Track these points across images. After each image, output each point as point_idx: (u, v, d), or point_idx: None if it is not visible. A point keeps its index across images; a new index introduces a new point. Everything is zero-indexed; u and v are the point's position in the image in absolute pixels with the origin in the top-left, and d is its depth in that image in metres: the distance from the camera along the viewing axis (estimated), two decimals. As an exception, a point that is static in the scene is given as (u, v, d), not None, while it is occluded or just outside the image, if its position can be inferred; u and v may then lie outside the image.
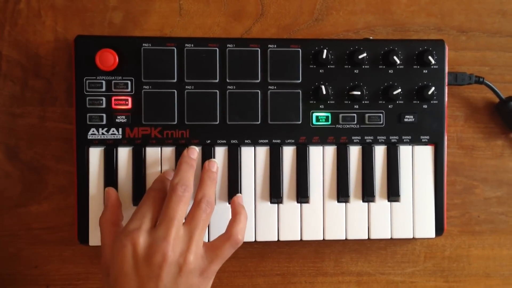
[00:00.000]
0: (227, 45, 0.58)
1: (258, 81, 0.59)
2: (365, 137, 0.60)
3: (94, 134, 0.58)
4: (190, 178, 0.53)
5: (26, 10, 0.60)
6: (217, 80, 0.58)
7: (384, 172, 0.61)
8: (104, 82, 0.57)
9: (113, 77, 0.57)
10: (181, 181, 0.51)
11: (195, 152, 0.56)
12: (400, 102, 0.60)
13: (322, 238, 0.60)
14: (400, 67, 0.60)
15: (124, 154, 0.58)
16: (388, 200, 0.60)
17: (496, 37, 0.65)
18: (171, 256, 0.47)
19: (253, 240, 0.59)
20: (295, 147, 0.60)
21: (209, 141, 0.58)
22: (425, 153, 0.61)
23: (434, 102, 0.60)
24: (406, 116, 0.60)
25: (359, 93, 0.59)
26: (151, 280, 0.47)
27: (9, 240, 0.60)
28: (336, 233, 0.60)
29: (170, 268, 0.47)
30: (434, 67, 0.60)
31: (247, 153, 0.59)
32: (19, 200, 0.60)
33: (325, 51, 0.59)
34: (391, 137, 0.61)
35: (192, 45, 0.58)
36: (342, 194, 0.60)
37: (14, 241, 0.60)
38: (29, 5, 0.60)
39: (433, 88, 0.60)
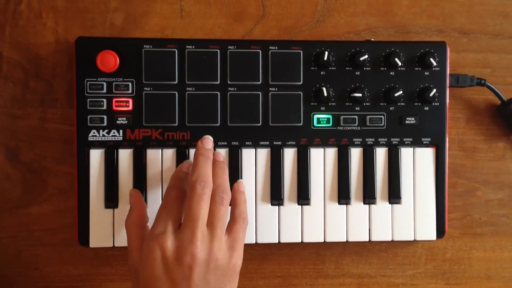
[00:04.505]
0: (228, 47, 0.58)
1: (259, 83, 0.59)
2: (366, 139, 0.60)
3: (95, 135, 0.57)
4: (208, 171, 0.52)
5: (27, 11, 0.60)
6: (218, 82, 0.58)
7: (385, 174, 0.61)
8: (105, 83, 0.57)
9: (114, 79, 0.57)
10: (199, 178, 0.51)
11: (209, 142, 0.55)
12: (401, 104, 0.60)
13: (323, 240, 0.60)
14: (401, 69, 0.60)
15: (124, 156, 0.58)
16: (389, 202, 0.60)
17: (498, 39, 0.65)
18: (200, 257, 0.48)
19: (254, 242, 0.59)
20: (296, 149, 0.60)
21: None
22: (426, 155, 0.61)
23: (435, 104, 0.60)
24: (407, 118, 0.60)
25: (360, 95, 0.59)
26: (183, 281, 0.48)
27: (9, 242, 0.60)
28: (337, 235, 0.60)
29: (199, 268, 0.48)
30: (436, 69, 0.60)
31: (248, 155, 0.59)
32: (19, 202, 0.60)
33: (326, 53, 0.58)
34: (392, 139, 0.60)
35: (193, 47, 0.58)
36: (343, 196, 0.60)
37: (14, 243, 0.60)
38: (30, 6, 0.60)
39: (434, 90, 0.59)
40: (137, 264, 0.51)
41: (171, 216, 0.51)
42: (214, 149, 0.58)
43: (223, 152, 0.58)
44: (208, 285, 0.49)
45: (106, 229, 0.58)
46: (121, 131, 0.58)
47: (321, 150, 0.60)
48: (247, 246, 0.59)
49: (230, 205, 0.55)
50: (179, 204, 0.52)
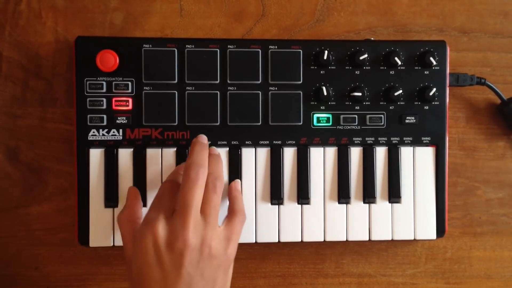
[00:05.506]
0: (228, 46, 0.58)
1: (259, 82, 0.59)
2: (366, 138, 0.60)
3: (95, 135, 0.57)
4: (204, 158, 0.52)
5: (27, 11, 0.60)
6: (217, 81, 0.58)
7: (385, 173, 0.61)
8: (104, 83, 0.57)
9: (114, 78, 0.57)
10: (194, 163, 0.50)
11: (204, 138, 0.56)
12: (401, 103, 0.60)
13: (323, 240, 0.60)
14: (401, 68, 0.60)
15: (124, 155, 0.58)
16: (389, 202, 0.60)
17: (498, 38, 0.65)
18: (192, 243, 0.47)
19: (254, 241, 0.59)
20: (296, 148, 0.60)
21: (209, 142, 0.58)
22: (426, 154, 0.61)
23: (435, 103, 0.60)
24: (407, 117, 0.60)
25: (360, 94, 0.59)
26: (174, 268, 0.47)
27: (9, 241, 0.60)
28: (337, 235, 0.60)
29: (191, 255, 0.47)
30: (436, 68, 0.60)
31: (247, 154, 0.59)
32: (19, 201, 0.60)
33: (326, 52, 0.58)
34: (392, 138, 0.60)
35: (193, 46, 0.58)
36: (343, 196, 0.60)
37: (14, 242, 0.60)
38: (29, 6, 0.60)
39: (434, 89, 0.59)
40: (131, 256, 0.50)
41: (164, 205, 0.50)
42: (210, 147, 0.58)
43: (222, 151, 0.58)
44: (202, 273, 0.48)
45: (106, 228, 0.58)
46: (120, 130, 0.58)
47: (321, 149, 0.60)
48: (247, 246, 0.59)
49: (229, 202, 0.55)
50: (172, 195, 0.52)
